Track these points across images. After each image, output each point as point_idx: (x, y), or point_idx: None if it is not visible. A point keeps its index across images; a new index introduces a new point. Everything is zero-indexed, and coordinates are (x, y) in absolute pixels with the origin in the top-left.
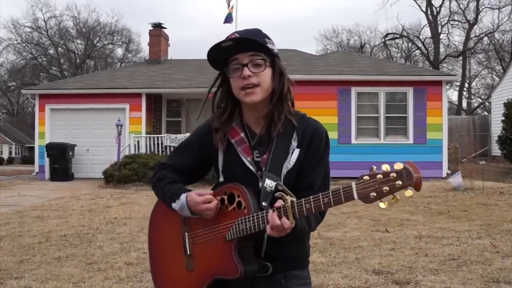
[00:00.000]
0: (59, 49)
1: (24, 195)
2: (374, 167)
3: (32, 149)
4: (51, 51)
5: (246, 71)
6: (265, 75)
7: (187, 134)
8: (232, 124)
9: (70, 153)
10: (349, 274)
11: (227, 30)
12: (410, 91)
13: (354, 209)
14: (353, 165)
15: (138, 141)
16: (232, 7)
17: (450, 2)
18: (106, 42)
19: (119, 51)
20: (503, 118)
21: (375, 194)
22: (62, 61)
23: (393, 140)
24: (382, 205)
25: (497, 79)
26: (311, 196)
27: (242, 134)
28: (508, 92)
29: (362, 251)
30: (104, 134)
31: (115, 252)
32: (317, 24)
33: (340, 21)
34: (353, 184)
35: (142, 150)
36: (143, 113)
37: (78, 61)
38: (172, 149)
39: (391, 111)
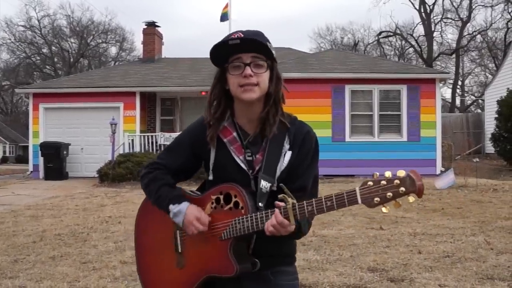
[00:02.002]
0: (53, 48)
1: (18, 194)
2: (377, 173)
3: (26, 148)
4: (45, 50)
5: (248, 70)
6: (264, 77)
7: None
8: (224, 123)
9: (64, 152)
10: (344, 271)
11: (222, 30)
12: (403, 88)
13: (349, 207)
14: (347, 163)
15: (132, 140)
16: (226, 6)
17: (443, 0)
18: (100, 41)
19: (113, 50)
20: (497, 116)
21: (378, 199)
22: (56, 60)
23: (387, 137)
24: (384, 210)
25: (490, 76)
26: (313, 199)
27: (234, 134)
28: (501, 90)
29: (357, 248)
30: (98, 133)
31: (109, 251)
32: (311, 22)
33: (334, 19)
34: (357, 188)
35: (137, 149)
36: (137, 112)
37: (72, 60)
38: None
39: (385, 108)
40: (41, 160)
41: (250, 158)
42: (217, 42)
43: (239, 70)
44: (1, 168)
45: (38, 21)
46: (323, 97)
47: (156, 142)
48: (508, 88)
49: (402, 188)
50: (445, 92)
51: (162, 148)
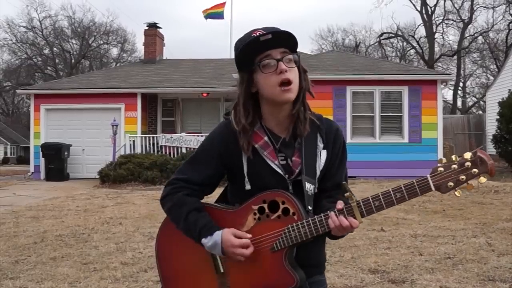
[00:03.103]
0: (54, 49)
1: (19, 195)
2: (444, 159)
3: (27, 149)
4: (46, 51)
5: (282, 65)
6: (296, 72)
7: (183, 134)
8: (254, 128)
9: (66, 153)
10: (345, 273)
11: (223, 31)
12: (405, 90)
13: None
14: (348, 164)
15: (133, 141)
16: (219, 5)
17: (445, 1)
18: (101, 42)
19: (114, 51)
20: (498, 117)
21: (452, 183)
22: (57, 61)
23: (388, 139)
24: (457, 193)
25: (491, 78)
26: (380, 193)
27: (266, 138)
28: (503, 91)
29: (358, 250)
30: (99, 134)
31: (110, 252)
32: (312, 24)
33: (335, 21)
34: (429, 176)
35: (138, 150)
36: (138, 113)
37: (73, 61)
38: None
39: (386, 110)
40: (42, 161)
41: (284, 162)
42: (244, 43)
43: (272, 68)
44: (2, 169)
45: (40, 22)
46: (325, 99)
47: (157, 143)
48: (509, 90)
49: (475, 170)
50: (447, 93)
51: (163, 149)
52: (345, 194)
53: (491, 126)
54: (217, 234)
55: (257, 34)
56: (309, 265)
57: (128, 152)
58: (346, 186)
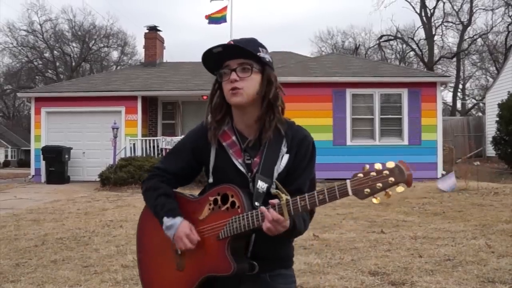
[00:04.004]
0: (55, 52)
1: (20, 198)
2: (367, 166)
3: (28, 152)
4: (47, 54)
5: (233, 75)
6: (252, 81)
7: (183, 137)
8: (225, 128)
9: (66, 156)
10: (345, 275)
11: (224, 34)
12: (404, 92)
13: (350, 210)
14: (348, 167)
15: (134, 144)
16: (222, 9)
17: (444, 3)
18: (102, 45)
19: (115, 54)
20: (497, 119)
21: (369, 190)
22: (57, 64)
23: (388, 141)
24: (375, 200)
25: (491, 80)
26: (306, 194)
27: (234, 138)
28: (502, 93)
29: (358, 252)
30: (100, 137)
31: (111, 255)
32: (312, 26)
33: (335, 23)
34: (348, 181)
35: (138, 153)
36: (138, 116)
37: (73, 64)
38: (165, 152)
39: (386, 112)
40: (43, 164)
41: (249, 161)
42: (204, 51)
43: (226, 77)
44: (3, 172)
45: (40, 25)
46: (324, 101)
47: (158, 146)
48: (509, 92)
49: (392, 179)
50: (446, 95)
51: (164, 152)
52: (272, 192)
53: (491, 128)
54: (179, 219)
55: (223, 44)
56: (270, 258)
57: (128, 155)
58: (278, 184)
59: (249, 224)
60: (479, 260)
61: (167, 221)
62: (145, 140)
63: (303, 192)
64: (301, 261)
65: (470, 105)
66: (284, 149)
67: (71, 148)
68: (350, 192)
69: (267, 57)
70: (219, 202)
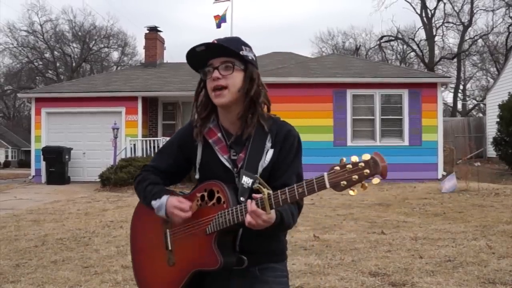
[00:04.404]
0: (55, 52)
1: (20, 198)
2: (344, 159)
3: (28, 152)
4: (47, 55)
5: (215, 73)
6: (234, 78)
7: None
8: (210, 125)
9: (67, 157)
10: (346, 276)
11: (224, 35)
12: (405, 93)
13: (350, 211)
14: None
15: (134, 144)
16: (226, 9)
17: (445, 4)
18: (102, 46)
19: (115, 55)
20: (498, 120)
21: (345, 182)
22: (58, 64)
23: (388, 142)
24: (352, 192)
25: (491, 80)
26: (286, 188)
27: (219, 134)
28: (503, 94)
29: (358, 253)
30: (100, 138)
31: (111, 255)
32: (312, 27)
33: (336, 24)
34: (325, 174)
35: (139, 153)
36: (139, 116)
37: (74, 64)
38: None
39: (386, 113)
40: (43, 164)
41: (235, 157)
42: (187, 50)
43: (209, 75)
44: (3, 172)
45: (41, 26)
46: (325, 102)
47: (158, 147)
48: (509, 92)
49: (367, 170)
50: (447, 96)
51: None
52: (254, 186)
53: (491, 129)
54: (164, 197)
55: (206, 43)
56: (259, 252)
57: (128, 155)
58: (259, 179)
59: (233, 218)
60: (479, 261)
61: (154, 203)
62: (146, 140)
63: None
64: (301, 262)
65: (470, 106)
66: (268, 144)
67: (71, 149)
68: (327, 185)
69: (250, 55)
70: (206, 198)
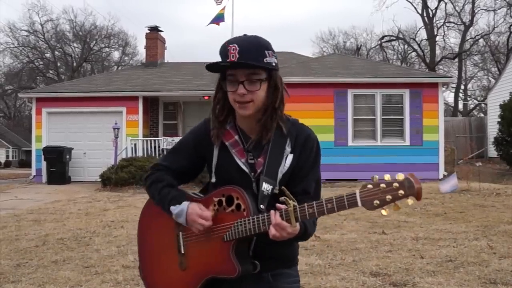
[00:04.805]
0: (56, 52)
1: (21, 198)
2: (376, 176)
3: (29, 152)
4: (48, 55)
5: (241, 89)
6: (260, 92)
7: None
8: (227, 127)
9: (67, 157)
10: (347, 276)
11: (224, 34)
12: (406, 93)
13: (351, 211)
14: (349, 167)
15: (135, 144)
16: (224, 8)
17: (446, 4)
18: (103, 46)
19: (116, 54)
20: (499, 120)
21: (378, 202)
22: (59, 64)
23: (389, 142)
24: (384, 212)
25: (493, 80)
26: (314, 202)
27: (236, 137)
28: (504, 94)
29: (359, 253)
30: (101, 137)
31: (112, 255)
32: (313, 27)
33: (337, 24)
34: (357, 191)
35: (139, 153)
36: (140, 116)
37: (75, 64)
38: (167, 150)
39: (387, 113)
40: (44, 164)
41: (252, 161)
42: (209, 63)
43: (233, 87)
44: (4, 172)
45: (41, 25)
46: (326, 102)
47: (159, 147)
48: (511, 92)
49: (401, 191)
50: (448, 96)
51: (165, 153)
52: (281, 198)
53: (493, 129)
54: (185, 204)
55: (231, 50)
56: (272, 257)
57: (129, 155)
58: (285, 190)
59: (255, 228)
60: (480, 261)
61: (174, 209)
62: (146, 140)
63: (309, 193)
64: (302, 262)
65: (471, 106)
66: (288, 149)
67: (72, 149)
68: (359, 203)
69: (274, 61)
70: (224, 204)
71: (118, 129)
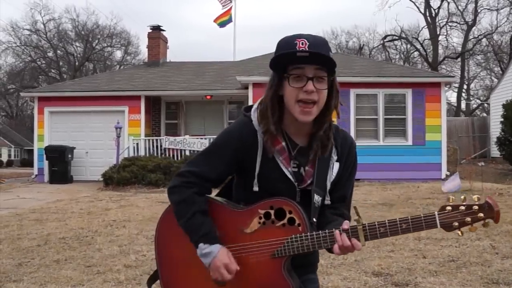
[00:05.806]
0: (58, 51)
1: (23, 197)
2: (453, 197)
3: (31, 151)
4: (50, 54)
5: (311, 86)
6: (324, 93)
7: (186, 136)
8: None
9: (69, 156)
10: (349, 276)
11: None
12: (409, 92)
13: (352, 211)
14: None
15: (137, 144)
16: (226, 12)
17: (449, 3)
18: (105, 45)
19: (118, 54)
20: (502, 119)
21: (457, 224)
22: (61, 63)
23: (392, 141)
24: (459, 233)
25: (495, 80)
26: (386, 221)
27: (283, 143)
28: (507, 93)
29: (361, 253)
30: (103, 137)
31: (114, 255)
32: (316, 26)
33: (339, 23)
34: (436, 213)
35: (141, 153)
36: (142, 116)
37: (77, 63)
38: (196, 152)
39: (390, 112)
40: (46, 163)
41: (295, 170)
42: (280, 52)
43: (300, 83)
44: (6, 171)
45: (44, 25)
46: None
47: (161, 146)
48: None
49: (481, 214)
50: (451, 96)
51: (167, 152)
52: (355, 219)
53: (495, 129)
54: (216, 247)
55: (300, 43)
56: (304, 265)
57: (131, 154)
58: (357, 209)
59: (314, 245)
60: (483, 261)
61: (203, 247)
62: (148, 140)
63: (346, 198)
64: None
65: (474, 106)
66: (334, 157)
67: (74, 148)
68: (438, 225)
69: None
70: (272, 217)
71: (120, 128)
